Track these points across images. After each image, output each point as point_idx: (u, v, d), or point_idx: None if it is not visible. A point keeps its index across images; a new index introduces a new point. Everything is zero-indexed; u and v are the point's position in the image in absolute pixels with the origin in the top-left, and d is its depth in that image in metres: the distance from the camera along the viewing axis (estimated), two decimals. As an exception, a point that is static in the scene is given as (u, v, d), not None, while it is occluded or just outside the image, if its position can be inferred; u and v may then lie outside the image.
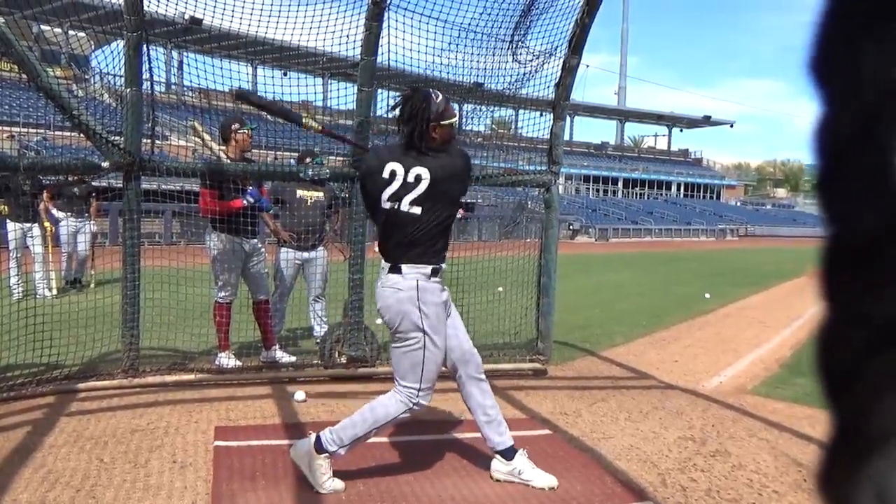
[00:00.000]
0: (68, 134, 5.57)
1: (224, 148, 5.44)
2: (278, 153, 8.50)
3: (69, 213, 10.00)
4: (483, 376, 3.49)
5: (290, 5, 5.04)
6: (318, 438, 3.31)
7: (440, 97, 3.36)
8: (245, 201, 5.42)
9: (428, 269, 3.27)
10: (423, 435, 4.11)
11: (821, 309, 0.34)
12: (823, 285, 0.34)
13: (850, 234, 0.33)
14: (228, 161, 5.35)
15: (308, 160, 5.98)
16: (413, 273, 3.24)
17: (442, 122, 3.30)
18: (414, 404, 3.30)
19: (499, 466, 3.51)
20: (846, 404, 0.34)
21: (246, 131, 5.53)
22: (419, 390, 3.28)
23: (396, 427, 4.29)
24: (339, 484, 3.32)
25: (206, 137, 5.38)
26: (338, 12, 5.10)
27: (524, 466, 3.47)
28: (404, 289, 3.24)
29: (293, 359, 5.70)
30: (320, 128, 4.55)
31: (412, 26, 5.11)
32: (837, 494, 0.34)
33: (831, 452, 0.35)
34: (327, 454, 3.28)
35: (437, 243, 3.30)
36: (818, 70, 0.33)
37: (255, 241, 5.68)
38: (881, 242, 0.32)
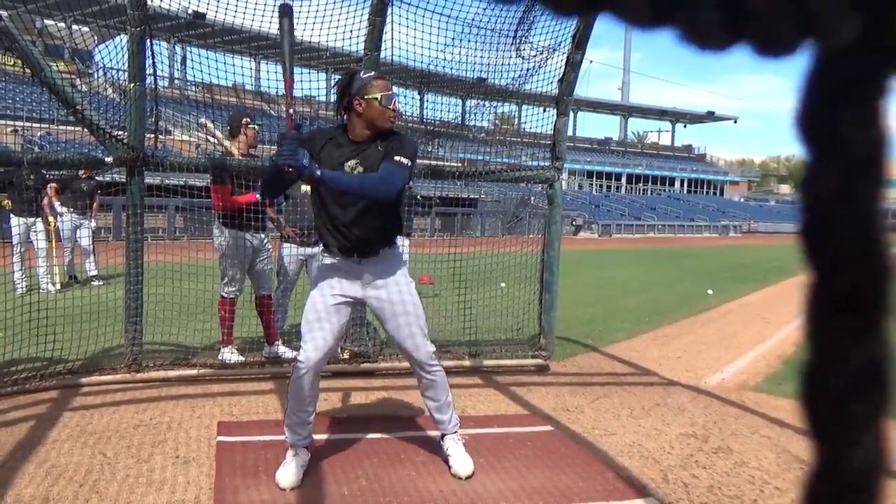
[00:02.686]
0: (72, 129, 5.58)
1: (233, 142, 5.45)
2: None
3: (71, 209, 10.02)
4: (429, 372, 3.50)
5: (293, 0, 5.03)
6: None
7: (369, 74, 3.39)
8: (257, 195, 5.43)
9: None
10: (425, 431, 4.11)
11: (805, 350, 0.36)
12: (807, 327, 0.36)
13: (832, 281, 0.35)
14: (239, 156, 5.37)
15: None
16: None
17: (366, 97, 3.30)
18: (296, 357, 3.47)
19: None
20: (828, 441, 0.36)
21: (255, 127, 5.54)
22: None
23: (399, 423, 4.31)
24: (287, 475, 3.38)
25: (219, 134, 5.39)
26: (341, 7, 5.10)
27: (451, 450, 3.60)
28: None
29: (296, 354, 5.69)
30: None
31: (416, 21, 5.11)
32: None
33: (814, 486, 0.37)
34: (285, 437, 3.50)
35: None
36: (803, 128, 0.35)
37: (263, 235, 5.68)
38: (860, 291, 0.34)
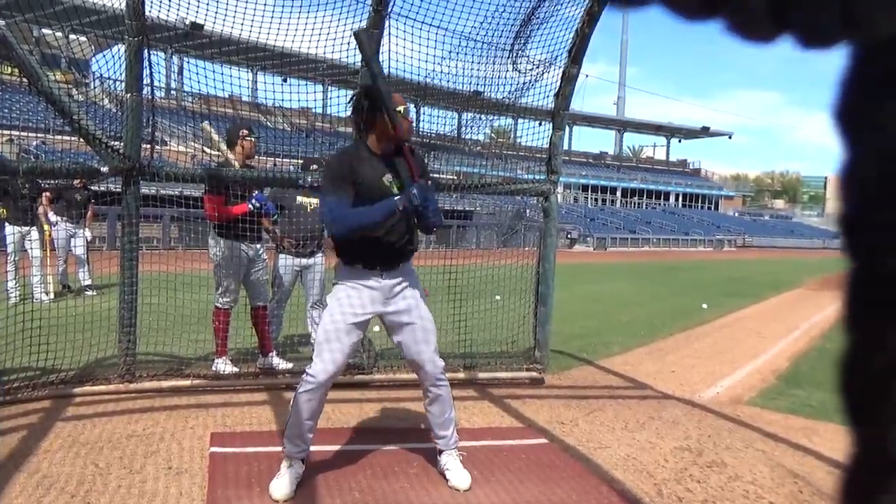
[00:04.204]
0: (68, 138, 5.57)
1: (230, 151, 5.47)
2: (278, 160, 8.50)
3: (65, 218, 10.00)
4: (438, 387, 3.52)
5: (290, 12, 5.05)
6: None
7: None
8: (250, 205, 5.43)
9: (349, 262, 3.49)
10: (419, 443, 4.10)
11: (845, 337, 0.36)
12: (847, 314, 0.36)
13: (873, 269, 0.35)
14: (236, 162, 5.38)
15: (314, 167, 5.91)
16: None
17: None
18: (306, 371, 3.40)
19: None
20: (868, 426, 0.35)
21: (252, 139, 5.55)
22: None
23: (393, 435, 4.29)
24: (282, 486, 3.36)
25: (216, 137, 5.39)
26: (338, 19, 5.12)
27: (449, 464, 3.60)
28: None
29: (290, 365, 5.68)
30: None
31: (413, 34, 5.12)
32: None
33: (855, 471, 0.36)
34: (281, 449, 3.49)
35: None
36: (843, 119, 0.35)
37: (258, 246, 5.67)
38: None
